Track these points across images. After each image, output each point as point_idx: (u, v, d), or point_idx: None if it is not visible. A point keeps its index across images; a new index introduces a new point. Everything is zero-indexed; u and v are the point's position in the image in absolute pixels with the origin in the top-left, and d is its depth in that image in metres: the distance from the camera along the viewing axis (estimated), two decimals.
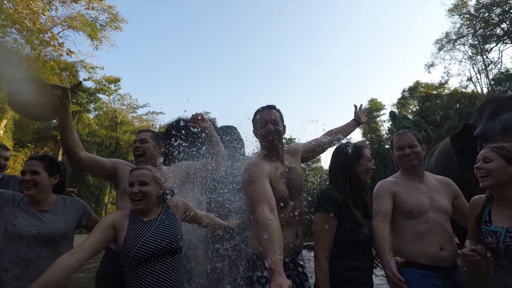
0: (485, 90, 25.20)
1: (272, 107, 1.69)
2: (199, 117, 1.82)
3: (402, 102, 32.75)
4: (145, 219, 1.46)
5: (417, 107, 30.76)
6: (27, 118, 1.82)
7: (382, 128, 34.57)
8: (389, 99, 68.88)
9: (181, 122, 4.15)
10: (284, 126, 1.68)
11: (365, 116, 2.31)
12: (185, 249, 1.66)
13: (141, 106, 29.22)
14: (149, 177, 1.49)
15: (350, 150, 1.62)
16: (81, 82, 2.09)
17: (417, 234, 1.58)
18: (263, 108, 1.69)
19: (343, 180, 1.57)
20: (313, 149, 1.92)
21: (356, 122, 2.25)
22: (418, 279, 1.49)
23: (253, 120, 1.71)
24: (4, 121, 15.73)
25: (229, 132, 4.03)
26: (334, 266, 1.42)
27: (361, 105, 2.35)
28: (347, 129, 2.18)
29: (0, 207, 1.58)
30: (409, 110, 32.10)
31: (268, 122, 1.61)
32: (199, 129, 1.83)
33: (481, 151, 1.51)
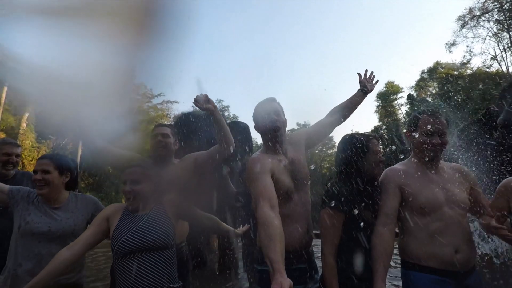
0: (510, 69, 23.86)
1: (272, 100, 1.65)
2: (204, 99, 1.74)
3: (421, 84, 31.55)
4: (136, 214, 1.49)
5: (437, 89, 29.55)
6: None
7: (399, 112, 33.61)
8: (407, 82, 66.53)
9: (191, 117, 4.17)
10: (285, 119, 1.63)
11: (372, 82, 2.04)
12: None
13: (156, 96, 29.56)
14: (141, 175, 1.51)
15: (356, 143, 1.52)
16: None
17: (429, 233, 1.40)
18: (263, 101, 1.65)
19: (348, 174, 1.51)
20: (317, 133, 1.82)
21: (363, 92, 1.99)
22: (428, 286, 1.37)
23: (253, 116, 1.66)
24: (26, 115, 16.37)
25: (238, 130, 3.97)
26: (339, 261, 1.39)
27: (366, 70, 2.06)
28: (353, 103, 1.95)
29: (16, 204, 1.65)
30: (428, 93, 30.91)
31: (271, 114, 1.57)
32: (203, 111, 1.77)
33: None
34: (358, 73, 2.05)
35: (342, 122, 1.89)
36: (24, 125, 16.32)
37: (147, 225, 1.44)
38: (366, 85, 1.99)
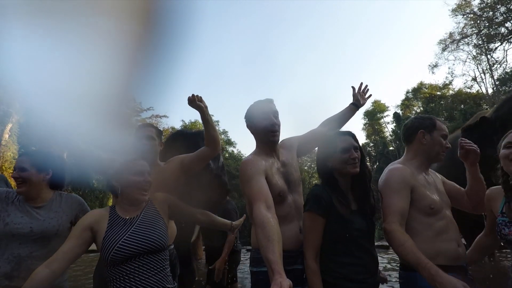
0: (490, 90, 25.02)
1: (270, 101, 1.65)
2: (196, 98, 1.71)
3: (406, 103, 32.62)
4: (127, 217, 1.41)
5: (421, 108, 30.56)
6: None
7: (386, 129, 34.46)
8: (393, 101, 68.62)
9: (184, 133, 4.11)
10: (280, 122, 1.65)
11: (365, 97, 2.09)
12: None
13: (145, 110, 29.35)
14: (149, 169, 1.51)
15: (327, 142, 1.54)
16: None
17: (436, 231, 1.42)
18: (262, 100, 1.66)
19: (323, 174, 1.51)
20: (308, 142, 1.84)
21: (355, 106, 2.03)
22: None
23: (249, 114, 1.67)
24: (10, 125, 15.90)
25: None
26: (327, 262, 1.38)
27: (361, 83, 2.11)
28: (344, 115, 1.99)
29: None
30: (413, 111, 31.91)
31: (270, 114, 1.58)
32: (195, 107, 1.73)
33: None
34: (352, 87, 2.10)
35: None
36: (6, 136, 15.81)
37: (142, 228, 1.37)
38: (358, 99, 2.05)
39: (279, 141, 1.69)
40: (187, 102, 1.71)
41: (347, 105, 2.06)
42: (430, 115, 1.67)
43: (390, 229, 1.39)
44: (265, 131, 1.57)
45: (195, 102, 1.68)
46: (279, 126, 1.59)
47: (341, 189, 1.45)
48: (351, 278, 1.33)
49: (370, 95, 2.12)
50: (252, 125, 1.65)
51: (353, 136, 1.51)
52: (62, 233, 1.64)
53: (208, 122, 1.77)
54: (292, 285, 0.98)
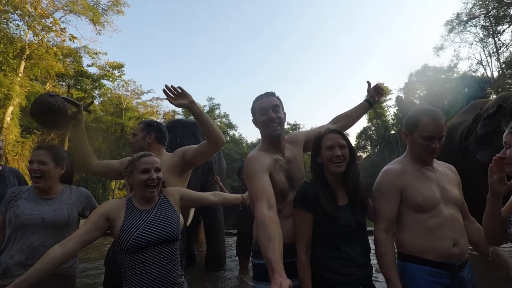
0: (495, 74, 24.58)
1: (271, 94, 1.64)
2: (176, 91, 1.66)
3: (409, 87, 32.16)
4: (142, 209, 1.46)
5: (425, 92, 30.18)
6: (43, 127, 1.96)
7: (388, 113, 34.22)
8: (396, 84, 67.74)
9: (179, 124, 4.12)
10: (284, 113, 1.63)
11: (380, 94, 2.01)
12: None
13: (145, 92, 29.08)
14: (159, 163, 1.51)
15: (315, 140, 1.54)
16: (93, 101, 2.29)
17: (427, 228, 1.41)
18: (262, 95, 1.64)
19: (313, 170, 1.53)
20: None
21: (368, 103, 1.96)
22: (424, 277, 1.38)
23: (252, 109, 1.66)
24: (11, 108, 15.86)
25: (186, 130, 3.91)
26: (315, 255, 1.42)
27: (376, 84, 2.05)
28: (357, 112, 1.94)
29: (7, 210, 1.65)
30: (416, 95, 31.53)
31: (269, 109, 1.57)
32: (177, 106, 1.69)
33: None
34: (367, 82, 2.04)
35: (343, 131, 1.83)
36: (8, 119, 15.80)
37: (157, 220, 1.42)
38: (373, 94, 1.99)
39: (287, 135, 1.69)
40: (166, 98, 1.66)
41: (361, 101, 2.00)
42: (419, 110, 1.52)
43: (377, 237, 1.47)
44: (264, 126, 1.58)
45: (175, 101, 1.65)
46: (280, 119, 1.57)
47: (328, 185, 1.47)
48: (339, 271, 1.37)
49: (384, 92, 2.05)
50: (254, 120, 1.66)
51: (341, 134, 1.50)
52: (72, 223, 1.71)
53: (200, 116, 1.73)
54: (289, 278, 1.00)
